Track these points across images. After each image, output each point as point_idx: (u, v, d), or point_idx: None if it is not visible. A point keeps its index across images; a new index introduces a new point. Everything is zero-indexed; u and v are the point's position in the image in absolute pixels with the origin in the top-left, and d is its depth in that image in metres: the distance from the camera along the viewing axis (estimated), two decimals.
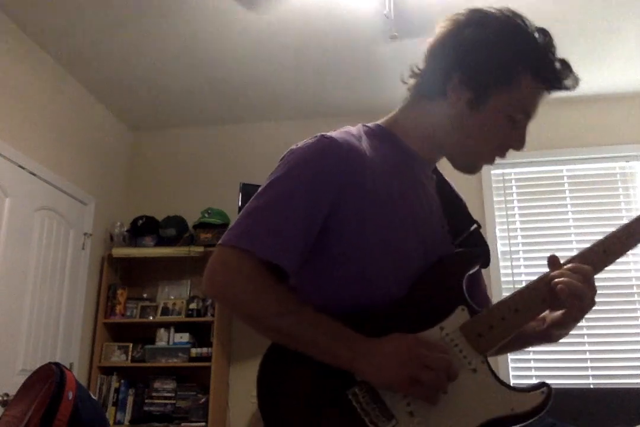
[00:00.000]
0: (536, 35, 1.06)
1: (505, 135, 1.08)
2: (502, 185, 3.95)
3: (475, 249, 1.11)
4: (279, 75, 3.68)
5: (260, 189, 1.03)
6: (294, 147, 1.07)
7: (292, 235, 0.98)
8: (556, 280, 0.98)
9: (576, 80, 1.08)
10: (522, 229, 3.85)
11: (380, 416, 0.92)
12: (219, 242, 1.00)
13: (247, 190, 3.66)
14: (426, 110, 1.11)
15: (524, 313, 0.99)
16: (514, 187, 3.96)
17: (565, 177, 3.92)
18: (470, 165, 1.13)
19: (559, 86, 1.07)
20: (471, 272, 1.07)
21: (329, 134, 1.05)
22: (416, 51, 1.17)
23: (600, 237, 1.03)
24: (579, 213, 3.82)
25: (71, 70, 3.58)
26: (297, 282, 1.04)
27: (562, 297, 0.96)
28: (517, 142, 1.09)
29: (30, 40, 3.25)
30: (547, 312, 1.06)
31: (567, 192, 3.88)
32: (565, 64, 1.07)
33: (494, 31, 1.05)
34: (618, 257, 1.03)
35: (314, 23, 3.13)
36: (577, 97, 3.81)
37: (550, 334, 1.08)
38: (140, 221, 3.94)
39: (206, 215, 3.84)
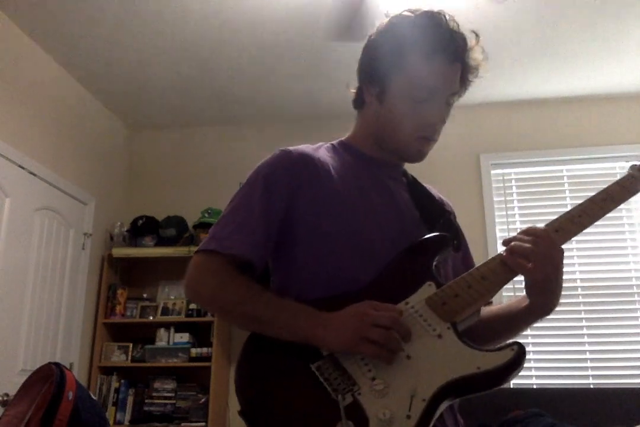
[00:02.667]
0: (435, 22, 1.14)
1: (418, 115, 1.15)
2: (502, 185, 3.95)
3: (443, 233, 1.14)
4: (277, 77, 3.68)
5: None
6: None
7: (253, 231, 1.09)
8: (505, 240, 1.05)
9: (477, 52, 1.17)
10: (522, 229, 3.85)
11: (342, 384, 0.94)
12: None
13: None
14: (362, 120, 1.26)
15: (490, 280, 1.02)
16: (514, 187, 3.96)
17: (565, 177, 3.92)
18: (408, 152, 1.19)
19: (454, 52, 1.13)
20: (442, 254, 1.12)
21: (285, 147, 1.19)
22: None
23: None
24: None
25: (71, 70, 3.58)
26: (274, 277, 1.16)
27: (505, 258, 1.02)
28: (431, 115, 1.15)
29: (31, 40, 3.25)
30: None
31: (567, 192, 3.88)
32: (459, 35, 1.15)
33: (382, 30, 1.19)
34: (594, 220, 1.07)
35: (307, 26, 3.14)
36: (577, 97, 3.80)
37: (531, 304, 1.06)
38: (140, 221, 3.94)
39: (206, 215, 3.85)
